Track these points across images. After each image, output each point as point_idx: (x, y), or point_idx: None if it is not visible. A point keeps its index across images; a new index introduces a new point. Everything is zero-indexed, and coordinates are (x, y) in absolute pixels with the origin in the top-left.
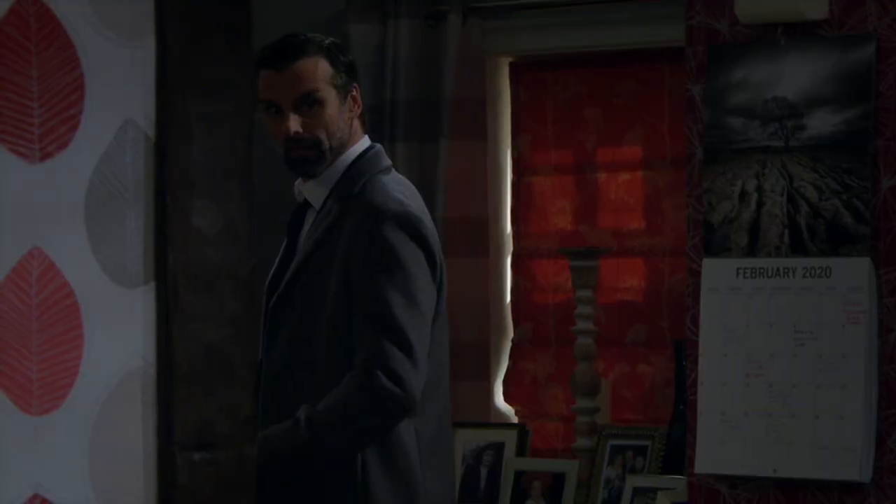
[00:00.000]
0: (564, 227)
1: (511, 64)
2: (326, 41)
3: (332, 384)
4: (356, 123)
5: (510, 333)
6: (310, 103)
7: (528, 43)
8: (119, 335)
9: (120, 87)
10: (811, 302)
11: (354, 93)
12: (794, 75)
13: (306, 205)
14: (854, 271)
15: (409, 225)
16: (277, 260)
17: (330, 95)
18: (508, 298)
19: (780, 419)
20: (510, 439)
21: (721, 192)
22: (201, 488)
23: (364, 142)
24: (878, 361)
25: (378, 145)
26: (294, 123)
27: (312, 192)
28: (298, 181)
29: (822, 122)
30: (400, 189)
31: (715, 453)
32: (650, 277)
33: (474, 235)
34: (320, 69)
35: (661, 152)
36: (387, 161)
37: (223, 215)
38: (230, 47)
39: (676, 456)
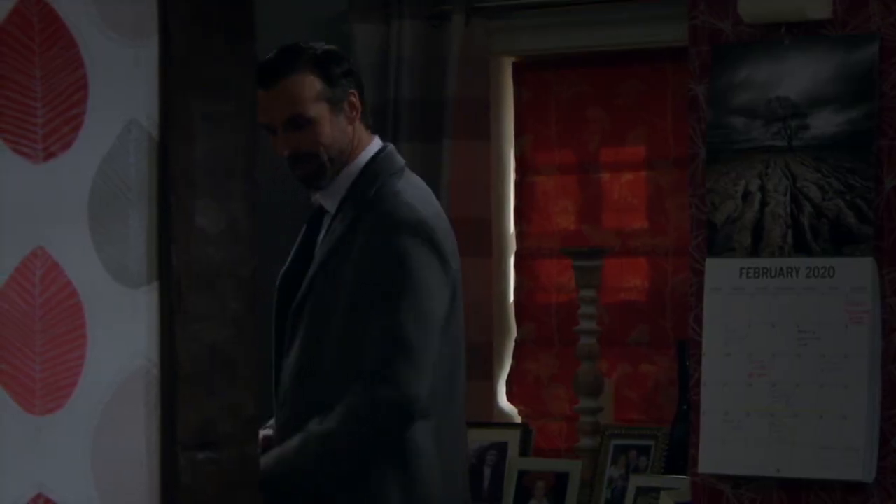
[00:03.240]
0: (567, 227)
1: (514, 64)
2: (319, 50)
3: (341, 391)
4: (360, 128)
5: (513, 333)
6: (299, 125)
7: (531, 43)
8: (122, 335)
9: (123, 87)
10: (814, 302)
11: (352, 99)
12: (797, 75)
13: (322, 209)
14: (857, 271)
15: (419, 232)
16: (290, 260)
17: (320, 111)
18: (511, 298)
19: (783, 419)
20: (513, 439)
21: (724, 192)
22: (204, 488)
23: (375, 144)
24: (881, 361)
25: (390, 146)
26: (285, 145)
27: (327, 197)
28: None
29: (825, 122)
30: (413, 194)
31: (718, 453)
32: (653, 277)
33: (477, 235)
34: (308, 86)
35: (664, 152)
36: (400, 162)
37: (226, 215)
38: (232, 47)
39: (679, 456)
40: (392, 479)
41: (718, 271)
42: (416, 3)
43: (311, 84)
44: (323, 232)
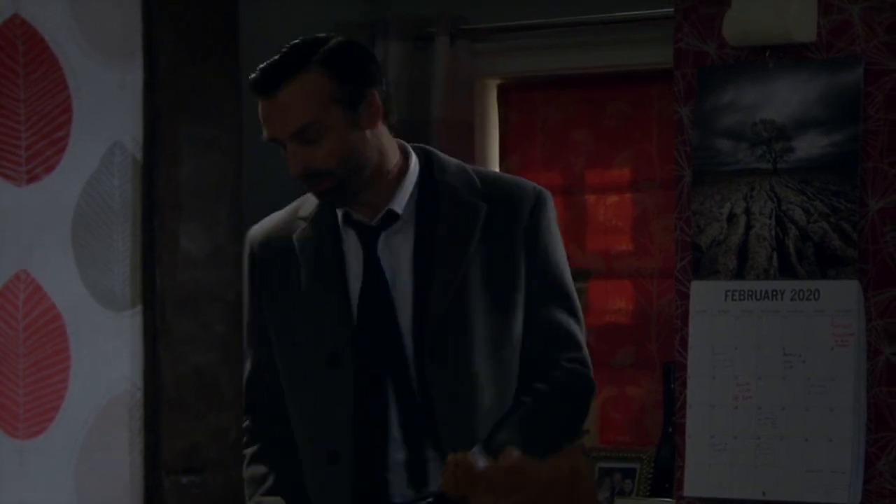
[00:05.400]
0: None
1: (499, 86)
2: (327, 46)
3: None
4: (388, 137)
5: None
6: (307, 138)
7: (516, 65)
8: (106, 359)
9: (107, 110)
10: (800, 324)
11: (373, 99)
12: (782, 98)
13: (350, 219)
14: (843, 294)
15: (549, 196)
16: (339, 302)
17: (332, 118)
18: None
19: (768, 442)
20: None
21: (709, 215)
22: None
23: (410, 149)
24: (867, 384)
25: (428, 147)
26: (295, 162)
27: (398, 205)
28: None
29: (810, 145)
30: None
31: (704, 476)
32: (638, 299)
33: None
34: (314, 91)
35: (649, 174)
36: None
37: (211, 238)
38: (219, 69)
39: (665, 478)
40: None
41: (704, 294)
42: (401, 25)
43: (319, 86)
44: (390, 244)
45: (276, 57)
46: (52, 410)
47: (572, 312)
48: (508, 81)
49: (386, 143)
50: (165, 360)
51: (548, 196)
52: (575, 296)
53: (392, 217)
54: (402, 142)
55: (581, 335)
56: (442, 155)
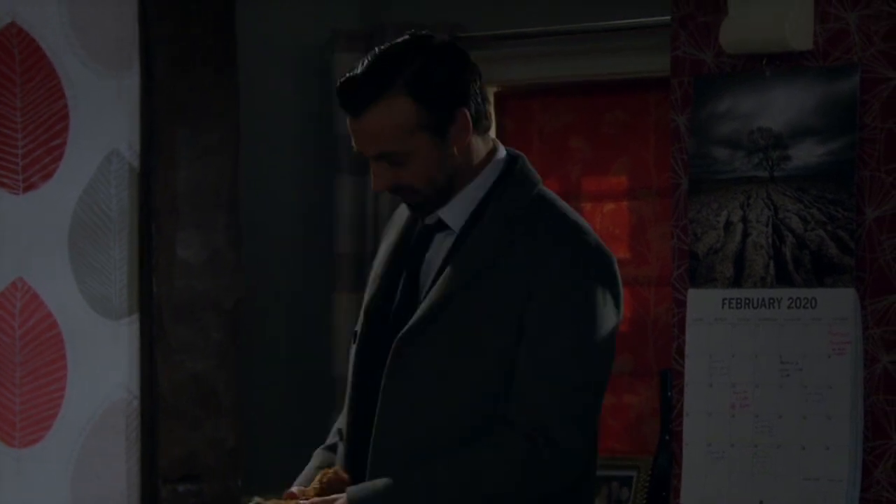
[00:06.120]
0: None
1: (496, 93)
2: (414, 66)
3: (475, 435)
4: (476, 141)
5: None
6: (392, 161)
7: (513, 72)
8: (102, 367)
9: (105, 118)
10: (797, 332)
11: (462, 119)
12: (779, 106)
13: (423, 225)
14: (839, 302)
15: (604, 262)
16: (380, 281)
17: (417, 144)
18: None
19: (765, 450)
20: None
21: (706, 223)
22: None
23: (502, 151)
24: (863, 392)
25: (522, 155)
26: (379, 181)
27: (447, 213)
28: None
29: (807, 153)
30: (576, 215)
31: (701, 484)
32: (635, 307)
33: None
34: (399, 119)
35: (646, 182)
36: (537, 175)
37: (208, 245)
38: (216, 77)
39: (662, 487)
40: None
41: (701, 302)
42: (398, 33)
43: (405, 112)
44: (438, 250)
45: (362, 68)
46: (49, 419)
47: (557, 384)
48: (506, 89)
49: (473, 151)
50: (162, 368)
51: (591, 256)
52: (574, 370)
53: (442, 221)
54: (497, 143)
55: (559, 418)
56: (525, 168)
